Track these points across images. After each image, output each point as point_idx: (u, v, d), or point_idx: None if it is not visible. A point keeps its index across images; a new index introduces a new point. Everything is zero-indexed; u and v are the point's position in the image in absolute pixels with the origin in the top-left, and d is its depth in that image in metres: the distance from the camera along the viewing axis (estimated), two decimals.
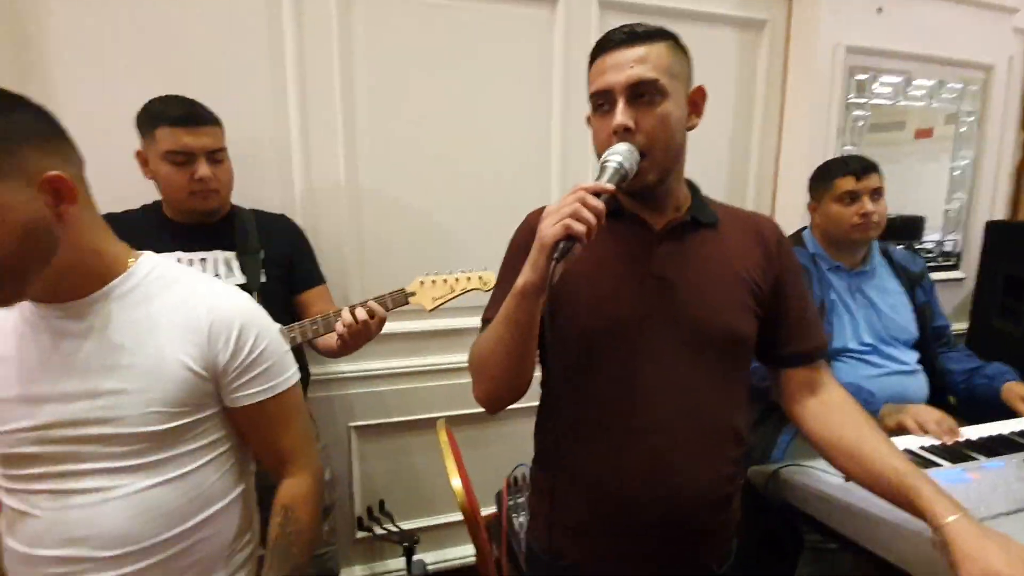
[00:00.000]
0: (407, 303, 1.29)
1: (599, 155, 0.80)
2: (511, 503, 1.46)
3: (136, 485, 0.73)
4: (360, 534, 1.75)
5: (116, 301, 0.74)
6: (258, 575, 0.86)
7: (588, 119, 0.85)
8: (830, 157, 1.87)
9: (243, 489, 0.86)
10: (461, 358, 1.74)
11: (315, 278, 1.41)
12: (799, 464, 1.02)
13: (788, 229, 1.63)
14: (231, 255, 1.28)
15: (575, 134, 1.76)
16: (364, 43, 1.55)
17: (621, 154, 0.74)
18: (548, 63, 1.71)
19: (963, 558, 0.66)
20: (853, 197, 1.42)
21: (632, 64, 0.75)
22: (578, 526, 0.85)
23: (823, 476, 0.93)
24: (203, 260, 1.26)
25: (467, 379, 1.77)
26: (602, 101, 0.79)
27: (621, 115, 0.76)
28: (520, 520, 1.42)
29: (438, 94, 1.63)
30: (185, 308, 0.76)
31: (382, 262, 1.66)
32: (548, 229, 0.68)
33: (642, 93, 0.76)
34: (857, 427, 0.84)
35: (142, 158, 1.21)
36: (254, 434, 0.84)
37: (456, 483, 1.23)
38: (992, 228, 2.16)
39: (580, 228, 0.66)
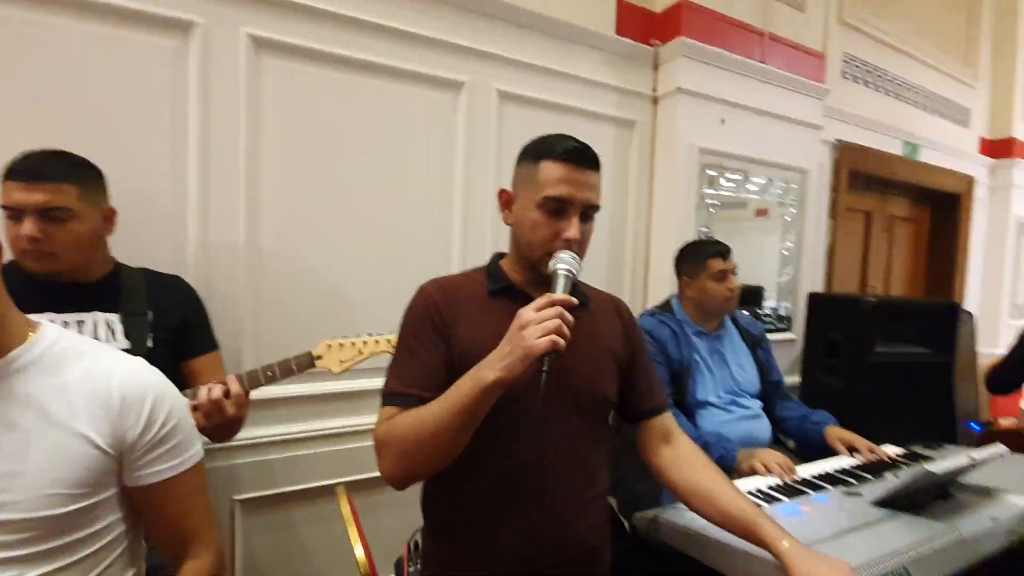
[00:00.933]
0: (313, 366, 1.29)
1: (527, 244, 0.92)
2: (411, 569, 1.44)
3: (30, 574, 0.67)
4: None
5: (15, 375, 0.69)
6: None
7: (503, 193, 0.97)
8: (690, 237, 2.22)
9: (135, 572, 0.80)
10: (359, 420, 1.73)
11: (208, 344, 1.35)
12: (676, 507, 1.16)
13: (659, 299, 1.89)
14: (114, 317, 1.20)
15: (475, 208, 1.90)
16: (272, 107, 1.58)
17: (567, 263, 0.86)
18: (451, 142, 1.86)
19: (797, 573, 0.83)
20: (723, 275, 1.70)
21: (591, 187, 0.91)
22: None
23: (697, 517, 1.07)
24: (80, 322, 1.16)
25: (364, 443, 1.76)
26: (556, 206, 0.90)
27: (576, 230, 0.89)
28: None
29: (347, 160, 1.69)
30: (93, 381, 0.73)
31: (280, 326, 1.62)
32: (535, 340, 0.74)
33: (589, 216, 0.93)
34: (707, 475, 1.00)
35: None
36: (155, 514, 0.80)
37: (359, 552, 1.21)
38: (813, 298, 2.64)
39: (563, 343, 0.75)
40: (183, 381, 1.28)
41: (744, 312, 1.96)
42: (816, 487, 1.31)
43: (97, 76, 1.38)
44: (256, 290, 1.59)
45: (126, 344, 1.19)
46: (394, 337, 1.35)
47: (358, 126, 1.71)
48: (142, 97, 1.43)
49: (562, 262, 0.87)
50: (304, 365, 1.28)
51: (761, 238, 2.63)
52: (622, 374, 1.02)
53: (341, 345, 1.31)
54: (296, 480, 1.66)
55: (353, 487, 1.46)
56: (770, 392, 1.80)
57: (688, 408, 1.65)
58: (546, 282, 0.92)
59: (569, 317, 0.77)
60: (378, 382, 1.67)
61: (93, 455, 0.71)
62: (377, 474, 1.75)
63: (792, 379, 2.62)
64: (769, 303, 2.65)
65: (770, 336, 2.50)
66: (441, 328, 0.92)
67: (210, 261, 1.52)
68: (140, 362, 0.80)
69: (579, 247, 0.91)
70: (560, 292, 0.83)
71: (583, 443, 0.95)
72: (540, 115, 2.03)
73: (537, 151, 0.94)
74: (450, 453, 0.83)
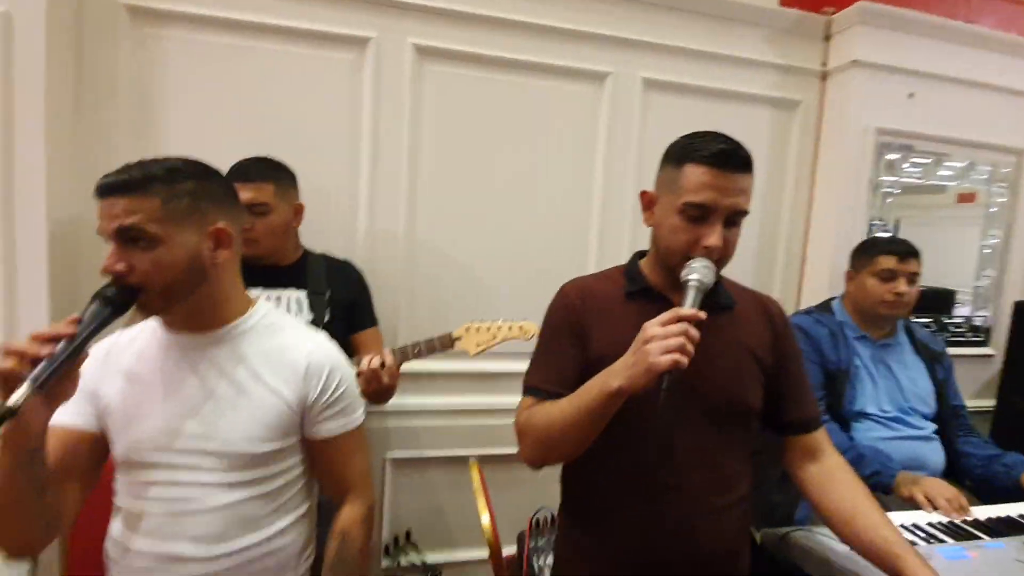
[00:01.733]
0: (452, 347, 1.42)
1: (662, 248, 0.91)
2: (532, 544, 1.54)
3: (233, 496, 0.86)
4: (385, 563, 1.83)
5: (235, 339, 0.89)
6: None
7: (645, 195, 0.96)
8: (859, 232, 1.97)
9: (308, 507, 0.98)
10: (495, 399, 1.86)
11: (370, 321, 1.56)
12: (808, 529, 1.08)
13: (814, 300, 1.73)
14: (302, 294, 1.44)
15: (614, 201, 1.90)
16: (433, 108, 1.74)
17: (699, 272, 0.83)
18: (592, 134, 1.87)
19: None
20: (891, 276, 1.51)
21: (738, 192, 0.86)
22: (611, 570, 0.93)
23: (828, 542, 1.00)
24: (279, 297, 1.42)
25: (497, 421, 1.88)
26: (698, 213, 0.86)
27: (718, 237, 0.85)
28: (539, 563, 1.49)
29: (494, 157, 1.80)
30: (289, 350, 0.91)
31: (429, 307, 1.80)
32: (658, 357, 0.74)
33: (735, 221, 0.88)
34: (853, 497, 0.93)
35: None
36: (323, 463, 0.96)
37: (485, 520, 1.33)
38: (1021, 308, 2.18)
39: (685, 363, 0.74)
40: (349, 351, 1.50)
41: (920, 325, 1.70)
42: (993, 532, 1.12)
43: (289, 90, 1.63)
44: (411, 275, 1.79)
45: (310, 317, 1.43)
46: (527, 324, 1.45)
47: (505, 123, 1.80)
48: (325, 107, 1.67)
49: (694, 272, 0.84)
50: (445, 345, 1.41)
51: (958, 232, 2.23)
52: (768, 380, 0.96)
53: (478, 329, 1.43)
54: (436, 447, 1.85)
55: (484, 460, 1.59)
56: (948, 417, 1.55)
57: (843, 417, 1.49)
58: (677, 285, 0.91)
59: (695, 333, 0.76)
60: (511, 366, 1.82)
61: (284, 409, 0.89)
62: (505, 451, 1.89)
63: (984, 403, 2.21)
64: (961, 310, 2.25)
65: (961, 351, 2.15)
66: (578, 331, 0.95)
67: (375, 248, 1.74)
68: (323, 337, 0.97)
69: (720, 255, 0.87)
70: (689, 305, 0.82)
71: (717, 450, 0.92)
72: (687, 102, 1.94)
73: (681, 153, 0.90)
74: (578, 447, 0.87)
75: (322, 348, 0.94)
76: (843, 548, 0.94)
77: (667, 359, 0.74)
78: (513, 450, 1.89)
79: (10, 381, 0.65)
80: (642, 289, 0.97)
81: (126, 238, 0.77)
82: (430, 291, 1.81)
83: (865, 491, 0.94)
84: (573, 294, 0.99)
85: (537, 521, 1.59)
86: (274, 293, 1.42)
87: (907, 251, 1.53)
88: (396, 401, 1.77)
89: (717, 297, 0.94)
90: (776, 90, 2.03)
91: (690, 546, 0.90)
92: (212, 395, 0.86)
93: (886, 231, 2.06)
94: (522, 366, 1.78)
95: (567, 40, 1.80)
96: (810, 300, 2.00)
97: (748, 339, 0.95)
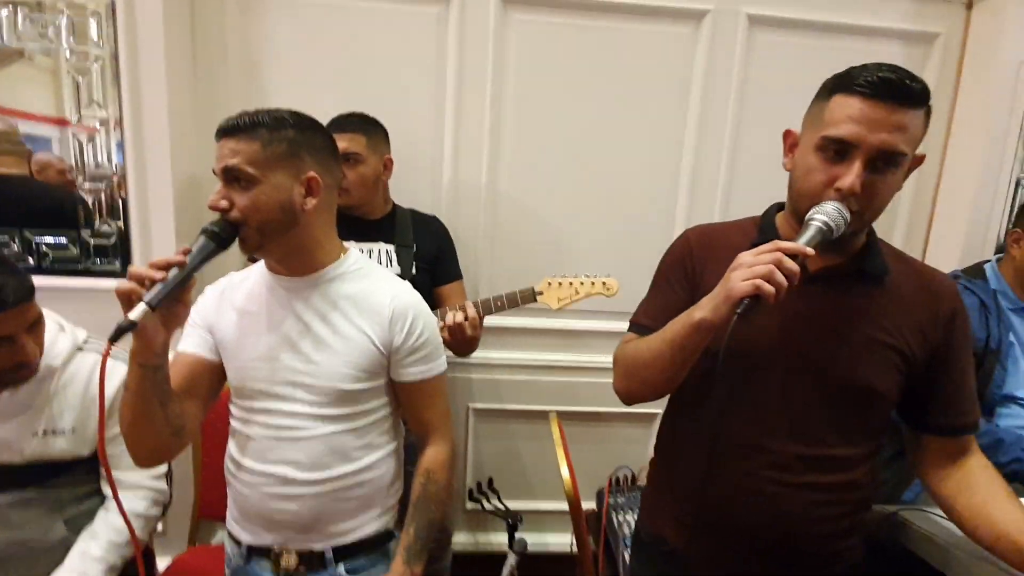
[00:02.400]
0: (535, 300, 1.42)
1: (795, 191, 0.80)
2: (612, 501, 1.54)
3: (327, 429, 0.93)
4: (470, 505, 1.92)
5: (328, 282, 0.94)
6: (400, 521, 1.03)
7: (788, 134, 0.84)
8: (1002, 188, 1.71)
9: (396, 445, 1.04)
10: (576, 357, 1.86)
11: (454, 274, 1.59)
12: (921, 509, 0.98)
13: (941, 266, 1.52)
14: (390, 247, 1.50)
15: (707, 152, 1.77)
16: (515, 59, 1.70)
17: (828, 215, 0.72)
18: (687, 80, 1.74)
19: None
20: None
21: (892, 129, 0.71)
22: (698, 527, 0.89)
23: (947, 524, 0.89)
24: (369, 251, 1.48)
25: (578, 379, 1.88)
26: (837, 148, 0.74)
27: (855, 177, 0.72)
28: (619, 519, 1.49)
29: (578, 108, 1.74)
30: (375, 296, 0.95)
31: (511, 260, 1.81)
32: (738, 282, 0.68)
33: (882, 161, 0.73)
34: (990, 493, 0.81)
35: None
36: (408, 405, 1.01)
37: (565, 473, 1.34)
38: None
39: (770, 290, 0.66)
40: (434, 303, 1.55)
41: None
42: None
43: (380, 46, 1.66)
44: (492, 227, 1.80)
45: (397, 270, 1.48)
46: (611, 280, 1.41)
47: (592, 72, 1.72)
48: (412, 61, 1.68)
49: (821, 212, 0.72)
50: (527, 298, 1.41)
51: None
52: (911, 370, 0.82)
53: (560, 284, 1.41)
54: (516, 400, 1.88)
55: (564, 416, 1.60)
56: None
57: (987, 401, 1.32)
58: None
59: (791, 264, 0.67)
60: (594, 324, 1.81)
61: (372, 350, 0.94)
62: (586, 408, 1.89)
63: None
64: None
65: None
66: (691, 275, 0.90)
67: (459, 201, 1.76)
68: (407, 285, 1.01)
69: (863, 205, 0.74)
70: (802, 242, 0.71)
71: (824, 428, 0.82)
72: (799, 39, 1.74)
73: (834, 84, 0.77)
74: (663, 380, 0.84)
75: (406, 295, 0.98)
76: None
77: (747, 284, 0.67)
78: (593, 408, 1.91)
79: (131, 299, 0.74)
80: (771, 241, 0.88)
81: (230, 177, 0.84)
82: (512, 244, 1.81)
83: (1004, 485, 0.82)
84: (694, 238, 0.94)
85: (617, 479, 1.59)
86: (365, 246, 1.48)
87: None
88: (479, 354, 1.82)
89: (864, 263, 0.82)
90: (910, 22, 1.77)
91: (779, 517, 0.84)
92: (308, 333, 0.92)
93: None
94: (605, 325, 1.80)
95: None
96: (935, 258, 1.78)
97: (891, 319, 0.81)
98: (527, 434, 1.92)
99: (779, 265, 0.67)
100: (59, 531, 1.10)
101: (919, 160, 0.80)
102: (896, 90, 0.71)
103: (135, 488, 1.14)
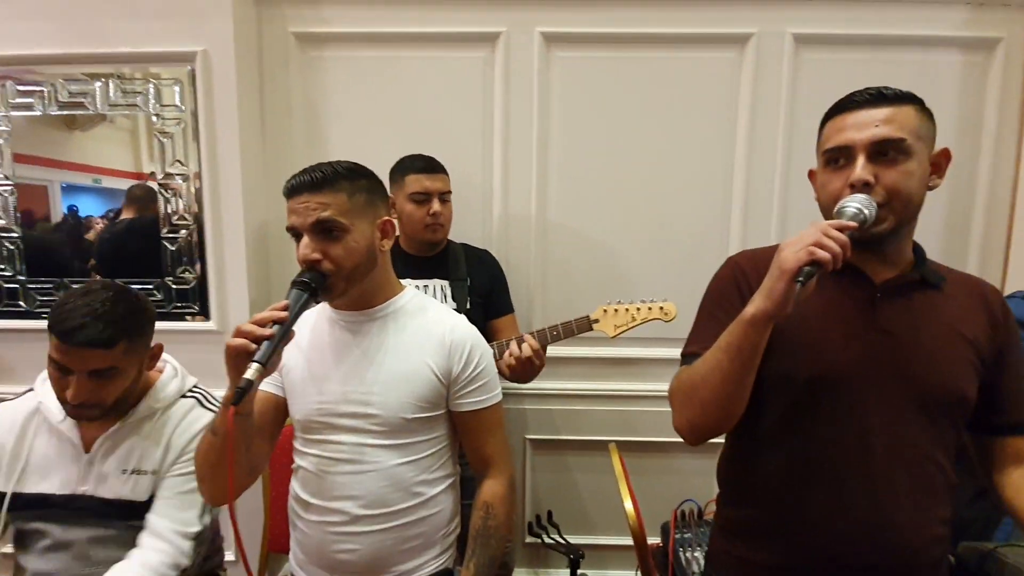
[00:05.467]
0: (591, 329, 1.42)
1: (824, 209, 0.83)
2: (678, 536, 1.48)
3: (390, 460, 0.96)
4: (529, 539, 1.90)
5: (389, 317, 0.99)
6: (459, 559, 1.03)
7: (811, 173, 0.90)
8: None
9: (454, 480, 1.05)
10: (634, 386, 1.83)
11: (507, 307, 1.62)
12: (1021, 544, 0.90)
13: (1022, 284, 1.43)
14: (446, 283, 1.55)
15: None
16: (559, 95, 1.75)
17: (860, 202, 0.75)
18: (734, 104, 1.74)
19: None
20: None
21: (877, 123, 0.78)
22: (783, 569, 0.85)
23: None
24: (426, 286, 1.53)
25: (637, 408, 1.85)
26: (838, 156, 0.81)
27: (862, 170, 0.77)
28: (687, 556, 1.43)
29: (624, 137, 1.76)
30: (433, 327, 0.99)
31: (563, 290, 1.82)
32: (790, 256, 0.70)
33: (885, 151, 0.78)
34: None
35: (391, 202, 1.53)
36: (466, 435, 1.03)
37: (629, 506, 1.31)
38: None
39: (824, 255, 0.68)
40: (488, 336, 1.57)
41: None
42: None
43: (429, 92, 1.75)
44: (543, 258, 1.82)
45: (453, 305, 1.52)
46: (668, 304, 1.40)
47: (636, 101, 1.75)
48: (461, 104, 1.76)
49: (850, 201, 0.76)
50: (583, 327, 1.42)
51: None
52: (985, 371, 0.83)
53: (616, 311, 1.41)
54: (573, 431, 1.87)
55: (623, 447, 1.57)
56: None
57: None
58: (878, 250, 0.83)
59: (837, 234, 0.70)
60: (651, 351, 1.78)
61: (432, 380, 0.97)
62: (644, 438, 1.85)
63: None
64: None
65: None
66: (746, 296, 0.87)
67: (509, 234, 1.80)
68: (463, 318, 1.04)
69: (882, 189, 0.77)
70: (846, 221, 0.74)
71: (924, 443, 0.81)
72: (849, 55, 1.71)
73: (825, 116, 0.86)
74: (724, 397, 0.79)
75: (463, 326, 1.01)
76: None
77: (801, 252, 0.69)
78: (654, 438, 1.87)
79: (242, 357, 0.79)
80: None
81: (321, 229, 0.89)
82: (563, 275, 1.82)
83: None
84: (744, 262, 0.93)
85: (683, 513, 1.53)
86: (421, 283, 1.53)
87: None
88: (534, 384, 1.83)
89: (923, 274, 0.85)
90: (967, 28, 1.71)
91: (883, 539, 0.80)
92: (371, 365, 0.96)
93: None
94: (662, 351, 1.77)
95: (702, 5, 1.69)
96: (1017, 285, 1.66)
97: (962, 323, 0.83)
98: (586, 466, 1.89)
99: (827, 233, 0.70)
100: None
101: (945, 155, 0.83)
102: (872, 95, 0.79)
103: (157, 537, 1.04)
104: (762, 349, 0.76)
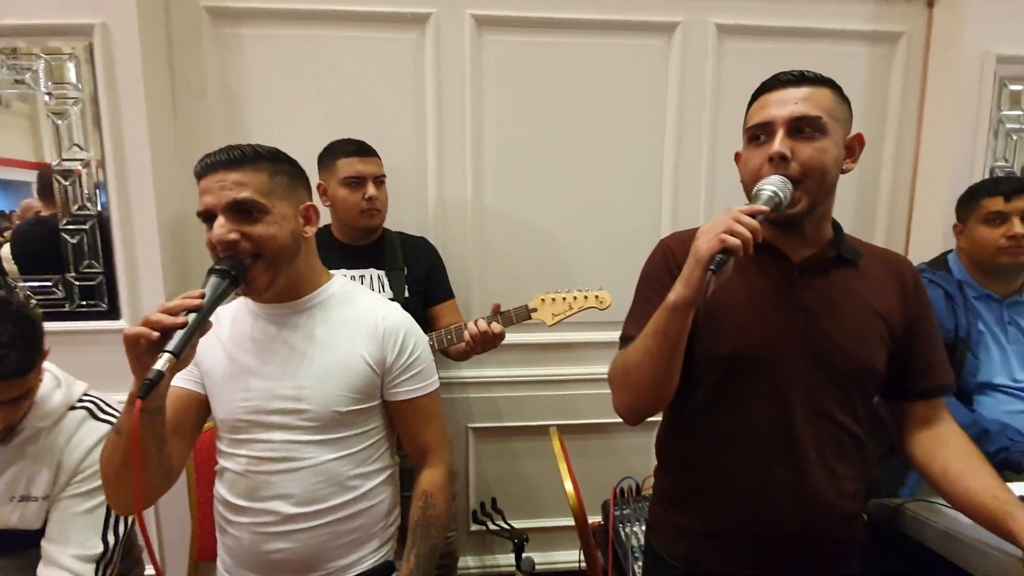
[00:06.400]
0: (529, 318, 1.42)
1: (747, 187, 0.86)
2: (617, 513, 1.52)
3: (322, 456, 0.92)
4: (474, 527, 1.90)
5: (317, 307, 0.94)
6: (400, 551, 1.01)
7: (737, 155, 0.92)
8: (976, 177, 1.75)
9: (392, 472, 1.02)
10: (573, 370, 1.86)
11: (447, 293, 1.60)
12: (927, 500, 0.99)
13: (925, 257, 1.56)
14: (382, 272, 1.50)
15: (687, 160, 1.80)
16: (493, 78, 1.73)
17: (774, 184, 0.79)
18: (663, 90, 1.78)
19: None
20: (1001, 218, 1.33)
21: (797, 101, 0.82)
22: (719, 536, 0.90)
23: (950, 512, 0.91)
24: (361, 276, 1.48)
25: (576, 391, 1.88)
26: (760, 133, 0.84)
27: (780, 144, 0.81)
28: (626, 531, 1.48)
29: (558, 122, 1.76)
30: (365, 316, 0.95)
31: (502, 278, 1.81)
32: (703, 245, 0.73)
33: (802, 128, 0.81)
34: (966, 459, 0.86)
35: (322, 188, 1.46)
36: (403, 425, 1.00)
37: (569, 487, 1.33)
38: None
39: (735, 241, 0.71)
40: (428, 324, 1.54)
41: None
42: None
43: (358, 74, 1.68)
44: (481, 245, 1.80)
45: (390, 294, 1.48)
46: (603, 293, 1.42)
47: (569, 87, 1.75)
48: (391, 87, 1.70)
49: (767, 183, 0.79)
50: (522, 316, 1.42)
51: None
52: (893, 342, 0.89)
53: (554, 299, 1.42)
54: (516, 417, 1.87)
55: (565, 430, 1.59)
56: None
57: (964, 391, 1.34)
58: (796, 231, 0.86)
59: (748, 219, 0.73)
60: (588, 335, 1.81)
61: (366, 370, 0.93)
62: (585, 420, 1.88)
63: None
64: None
65: None
66: (676, 276, 0.89)
67: (445, 220, 1.77)
68: (396, 305, 1.01)
69: (799, 172, 0.81)
70: (759, 206, 0.78)
71: (837, 411, 0.86)
72: (768, 45, 1.79)
73: (751, 97, 0.89)
74: (655, 380, 0.82)
75: (396, 314, 0.98)
76: (967, 519, 0.85)
77: (712, 241, 0.72)
78: (594, 420, 1.91)
79: (143, 347, 0.71)
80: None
81: (239, 210, 0.83)
82: (502, 260, 1.82)
83: (977, 452, 0.87)
84: (673, 244, 0.95)
85: (622, 490, 1.57)
86: (356, 273, 1.48)
87: (1016, 188, 1.34)
88: (475, 372, 1.83)
89: (840, 250, 0.89)
90: (873, 22, 1.82)
91: (804, 500, 0.85)
92: (300, 358, 0.92)
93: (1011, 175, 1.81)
94: (600, 336, 1.80)
95: None
96: (919, 258, 1.81)
97: (875, 298, 0.88)
98: (529, 451, 1.91)
99: (738, 220, 0.72)
100: None
101: (859, 140, 0.88)
102: (794, 76, 0.84)
103: (55, 567, 0.96)
104: (686, 333, 0.79)
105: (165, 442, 0.84)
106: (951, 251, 1.49)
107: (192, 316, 0.74)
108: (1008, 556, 0.81)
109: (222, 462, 0.96)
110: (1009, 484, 0.83)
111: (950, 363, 1.26)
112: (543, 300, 1.42)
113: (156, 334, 0.72)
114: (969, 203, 1.41)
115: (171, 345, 0.71)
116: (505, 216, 1.80)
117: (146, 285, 1.58)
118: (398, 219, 1.65)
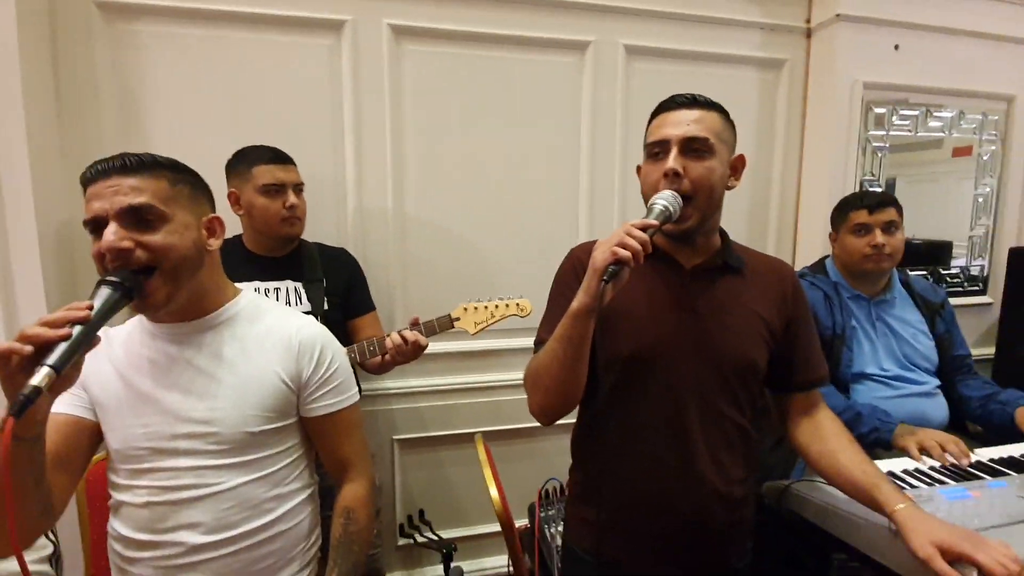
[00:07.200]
0: (452, 327, 1.43)
1: (646, 199, 0.93)
2: (543, 515, 1.56)
3: (234, 480, 0.87)
4: (401, 541, 1.87)
5: (224, 325, 0.90)
6: (321, 572, 0.98)
7: (638, 168, 0.99)
8: (849, 189, 1.97)
9: (312, 491, 0.99)
10: (497, 376, 1.88)
11: (368, 305, 1.57)
12: (810, 480, 1.10)
13: (811, 260, 1.73)
14: (299, 285, 1.45)
15: (601, 171, 1.89)
16: (412, 88, 1.73)
17: (666, 199, 0.87)
18: (577, 105, 1.86)
19: (910, 532, 0.82)
20: (865, 229, 1.50)
21: (690, 123, 0.90)
22: (620, 525, 0.96)
23: (827, 489, 1.02)
24: (277, 289, 1.42)
25: (500, 397, 1.90)
26: (658, 150, 0.93)
27: (673, 160, 0.89)
28: (551, 531, 1.52)
29: (479, 132, 1.79)
30: (277, 331, 0.92)
31: (424, 287, 1.81)
32: (598, 256, 0.80)
33: (695, 148, 0.90)
34: (839, 440, 0.98)
35: (234, 196, 1.39)
36: (321, 441, 0.98)
37: (494, 493, 1.34)
38: (1015, 255, 2.18)
39: (625, 254, 0.78)
40: (348, 337, 1.51)
41: (919, 277, 1.69)
42: (995, 472, 1.14)
43: (269, 79, 1.62)
44: (402, 254, 1.79)
45: (308, 307, 1.43)
46: (524, 301, 1.46)
47: (487, 98, 1.79)
48: (306, 93, 1.65)
49: (659, 197, 0.88)
50: (444, 326, 1.42)
51: (955, 186, 2.22)
52: (774, 342, 0.98)
53: (476, 308, 1.43)
54: (442, 426, 1.87)
55: (490, 436, 1.61)
56: (951, 369, 1.55)
57: (841, 380, 1.50)
58: (687, 241, 0.95)
59: (639, 233, 0.80)
60: (510, 342, 1.84)
61: (280, 387, 0.90)
62: (511, 426, 1.91)
63: (985, 351, 2.23)
64: (958, 261, 2.26)
65: (959, 300, 2.16)
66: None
67: (365, 229, 1.74)
68: (310, 318, 0.98)
69: (690, 188, 0.90)
70: (650, 220, 0.85)
71: (724, 403, 0.94)
72: (671, 67, 1.93)
73: (651, 115, 0.98)
74: (563, 382, 0.88)
75: (310, 326, 0.96)
76: (841, 495, 0.96)
77: (606, 254, 0.78)
78: (518, 425, 1.94)
79: (9, 362, 0.63)
80: (653, 251, 0.97)
81: (135, 217, 0.77)
82: (423, 270, 1.81)
83: (848, 435, 0.99)
84: (581, 253, 1.02)
85: (547, 491, 1.61)
86: (272, 285, 1.42)
87: (878, 202, 1.51)
88: (399, 383, 1.80)
89: (726, 259, 0.98)
90: (761, 50, 2.01)
91: (696, 485, 0.93)
92: (205, 379, 0.87)
93: (877, 188, 2.06)
94: (520, 342, 1.84)
95: (545, 10, 1.78)
96: (804, 262, 2.01)
97: (757, 302, 0.98)
98: (456, 460, 1.91)
99: (629, 234, 0.80)
100: None
101: (741, 160, 0.98)
102: (688, 99, 0.93)
103: None
104: (589, 336, 0.85)
105: (45, 474, 0.75)
106: (828, 256, 1.67)
107: (77, 329, 0.67)
108: (875, 526, 0.92)
109: (117, 495, 0.89)
110: (878, 461, 0.96)
111: (829, 357, 1.43)
112: (465, 309, 1.43)
113: (29, 348, 0.63)
114: (839, 215, 1.58)
115: (52, 358, 0.63)
116: (426, 225, 1.80)
117: (25, 302, 1.41)
118: (316, 229, 1.60)
